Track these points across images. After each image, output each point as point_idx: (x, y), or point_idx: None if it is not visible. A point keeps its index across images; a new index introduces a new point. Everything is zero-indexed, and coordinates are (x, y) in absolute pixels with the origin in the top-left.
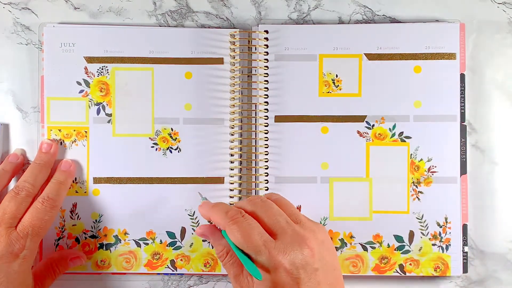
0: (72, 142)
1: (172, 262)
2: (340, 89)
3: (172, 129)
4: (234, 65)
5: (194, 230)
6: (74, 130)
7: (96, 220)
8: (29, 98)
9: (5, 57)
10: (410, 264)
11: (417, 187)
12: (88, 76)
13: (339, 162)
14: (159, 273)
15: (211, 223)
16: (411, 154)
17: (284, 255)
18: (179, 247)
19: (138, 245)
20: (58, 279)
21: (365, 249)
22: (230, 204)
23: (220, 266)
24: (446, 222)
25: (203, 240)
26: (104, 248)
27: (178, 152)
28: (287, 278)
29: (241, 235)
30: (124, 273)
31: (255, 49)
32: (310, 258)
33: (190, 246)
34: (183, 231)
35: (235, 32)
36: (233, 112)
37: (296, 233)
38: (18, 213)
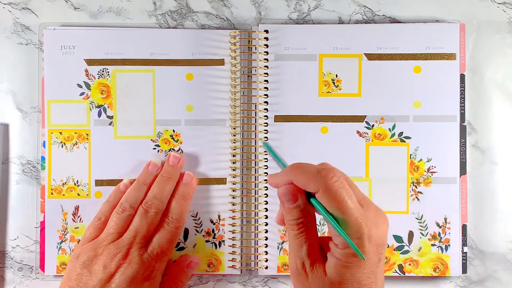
0: (74, 145)
1: None
2: (340, 89)
3: (174, 131)
4: (234, 65)
5: (197, 231)
6: (75, 133)
7: None
8: (29, 98)
9: (5, 57)
10: (410, 264)
11: (416, 187)
12: (89, 79)
13: (339, 162)
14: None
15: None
16: (410, 154)
17: (376, 229)
18: (182, 248)
19: None
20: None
21: None
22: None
23: (223, 266)
24: (446, 222)
25: (206, 241)
26: None
27: (180, 153)
28: (373, 255)
29: (342, 198)
30: None
31: (255, 49)
32: (387, 234)
33: (194, 247)
34: (186, 232)
35: (235, 32)
36: (234, 113)
37: (375, 206)
38: (149, 233)
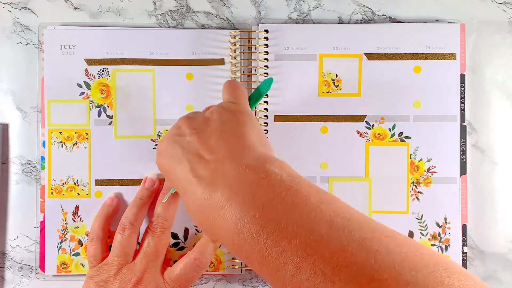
0: (74, 145)
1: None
2: (340, 89)
3: None
4: (234, 65)
5: (197, 231)
6: (75, 133)
7: None
8: (29, 98)
9: (5, 57)
10: None
11: (416, 187)
12: (89, 78)
13: (339, 162)
14: None
15: None
16: (410, 154)
17: None
18: (182, 248)
19: None
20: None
21: None
22: None
23: (223, 266)
24: (446, 222)
25: None
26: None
27: None
28: None
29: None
30: None
31: (255, 48)
32: None
33: (194, 246)
34: (186, 232)
35: (235, 32)
36: None
37: None
38: (158, 253)
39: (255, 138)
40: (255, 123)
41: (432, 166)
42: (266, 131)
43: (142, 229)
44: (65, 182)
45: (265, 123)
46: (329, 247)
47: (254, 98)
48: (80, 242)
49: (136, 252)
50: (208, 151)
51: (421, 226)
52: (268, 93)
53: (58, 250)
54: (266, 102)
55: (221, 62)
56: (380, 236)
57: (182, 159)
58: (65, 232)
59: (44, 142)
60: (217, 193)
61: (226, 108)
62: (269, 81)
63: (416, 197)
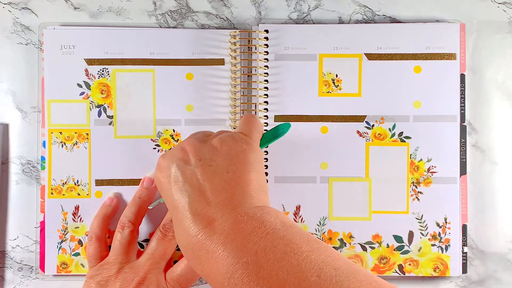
0: (74, 145)
1: None
2: (340, 89)
3: (174, 131)
4: (234, 65)
5: None
6: (76, 133)
7: None
8: (29, 98)
9: (5, 57)
10: (410, 265)
11: (416, 187)
12: (89, 78)
13: (339, 162)
14: None
15: None
16: (410, 154)
17: None
18: None
19: (143, 247)
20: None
21: (364, 249)
22: None
23: None
24: (446, 222)
25: None
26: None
27: None
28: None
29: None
30: None
31: (255, 48)
32: None
33: None
34: None
35: (235, 32)
36: (234, 113)
37: None
38: (165, 255)
39: (256, 183)
40: (260, 164)
41: (432, 166)
42: (266, 131)
43: (142, 228)
44: (65, 182)
45: (265, 123)
46: None
47: (267, 138)
48: (80, 242)
49: (139, 251)
50: (210, 191)
51: (421, 226)
52: (268, 93)
53: (58, 250)
54: (266, 102)
55: (221, 62)
56: (366, 286)
57: (182, 189)
58: (65, 232)
59: (44, 142)
60: (212, 236)
61: (237, 140)
62: (287, 126)
63: (416, 197)
